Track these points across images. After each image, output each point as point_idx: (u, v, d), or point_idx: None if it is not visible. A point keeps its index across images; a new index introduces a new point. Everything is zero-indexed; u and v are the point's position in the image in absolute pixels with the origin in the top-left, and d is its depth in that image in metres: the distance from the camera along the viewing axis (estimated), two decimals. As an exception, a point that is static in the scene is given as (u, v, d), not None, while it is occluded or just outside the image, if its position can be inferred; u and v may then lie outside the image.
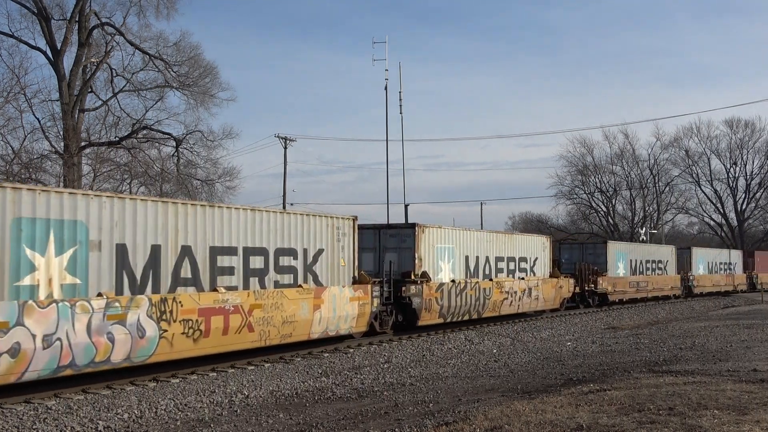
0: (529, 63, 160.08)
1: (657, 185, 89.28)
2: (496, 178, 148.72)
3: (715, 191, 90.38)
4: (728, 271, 55.68)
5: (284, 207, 50.19)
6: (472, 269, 27.45)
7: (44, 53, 41.89)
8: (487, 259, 28.44)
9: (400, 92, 49.88)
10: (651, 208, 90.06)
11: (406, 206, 49.84)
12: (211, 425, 11.03)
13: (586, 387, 12.46)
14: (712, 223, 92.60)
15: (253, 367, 16.67)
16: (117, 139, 43.62)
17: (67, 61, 42.16)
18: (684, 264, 48.70)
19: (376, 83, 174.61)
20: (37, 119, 40.85)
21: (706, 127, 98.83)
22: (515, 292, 29.47)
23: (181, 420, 11.50)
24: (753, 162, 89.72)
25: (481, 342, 22.23)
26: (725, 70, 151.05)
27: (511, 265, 30.05)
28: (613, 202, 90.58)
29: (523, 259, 31.14)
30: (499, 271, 29.11)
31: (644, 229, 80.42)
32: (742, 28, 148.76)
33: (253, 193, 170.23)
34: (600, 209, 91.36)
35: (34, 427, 10.90)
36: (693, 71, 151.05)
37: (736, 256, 59.11)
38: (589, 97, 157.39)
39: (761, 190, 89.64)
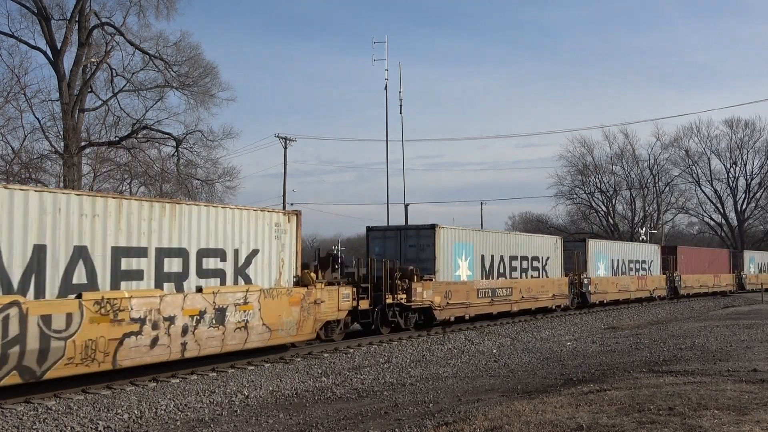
0: (528, 63, 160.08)
1: (657, 185, 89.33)
2: (496, 178, 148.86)
3: (715, 191, 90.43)
4: (641, 271, 43.17)
5: (284, 207, 50.20)
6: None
7: (44, 53, 41.90)
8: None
9: (400, 92, 49.99)
10: (651, 208, 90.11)
11: (406, 206, 49.91)
12: (211, 425, 11.03)
13: (586, 387, 12.45)
14: (712, 223, 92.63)
15: (253, 367, 16.67)
16: (117, 139, 43.61)
17: (67, 61, 42.20)
18: (576, 262, 35.72)
19: (376, 83, 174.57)
20: (37, 119, 40.93)
21: (706, 127, 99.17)
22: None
23: (181, 420, 11.49)
24: (753, 162, 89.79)
25: (481, 342, 22.22)
26: (724, 70, 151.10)
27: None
28: (613, 202, 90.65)
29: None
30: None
31: (644, 229, 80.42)
32: (741, 28, 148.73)
33: (253, 193, 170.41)
34: (600, 209, 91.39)
35: (34, 427, 10.90)
36: (692, 71, 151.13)
37: (651, 252, 45.79)
38: (589, 98, 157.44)
39: (761, 190, 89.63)
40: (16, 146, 38.34)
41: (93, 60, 43.24)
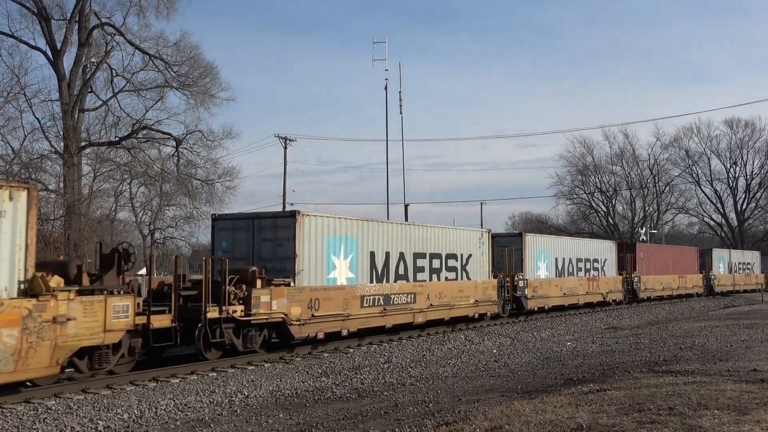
0: (528, 63, 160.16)
1: (657, 185, 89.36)
2: (496, 178, 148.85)
3: (715, 191, 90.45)
4: (592, 272, 36.96)
5: (284, 207, 50.21)
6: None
7: (44, 53, 41.95)
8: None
9: (400, 92, 49.99)
10: (651, 208, 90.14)
11: (406, 206, 49.89)
12: (211, 425, 11.03)
13: (586, 387, 12.45)
14: (712, 223, 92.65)
15: (253, 367, 16.66)
16: (117, 139, 43.65)
17: (67, 61, 42.25)
18: (508, 261, 29.52)
19: (376, 83, 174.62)
20: (37, 119, 40.98)
21: (706, 127, 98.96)
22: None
23: (181, 420, 11.49)
24: (753, 162, 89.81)
25: (481, 342, 22.22)
26: (724, 70, 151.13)
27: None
28: (613, 202, 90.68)
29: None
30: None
31: (644, 229, 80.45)
32: (741, 28, 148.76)
33: (252, 194, 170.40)
34: (600, 209, 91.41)
35: (34, 427, 10.90)
36: (692, 71, 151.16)
37: (605, 249, 39.28)
38: (589, 98, 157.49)
39: (761, 190, 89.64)
40: (16, 146, 38.46)
41: (93, 60, 43.28)
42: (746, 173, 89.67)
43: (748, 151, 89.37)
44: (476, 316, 26.73)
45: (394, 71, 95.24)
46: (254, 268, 17.65)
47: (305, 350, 19.16)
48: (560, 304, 33.31)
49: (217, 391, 13.73)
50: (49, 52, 41.71)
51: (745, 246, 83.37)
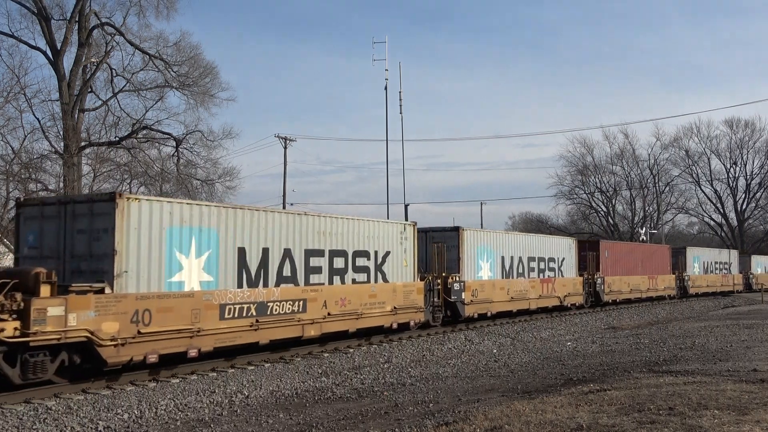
0: (528, 63, 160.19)
1: (657, 185, 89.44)
2: (496, 178, 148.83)
3: (715, 191, 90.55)
4: (547, 272, 32.43)
5: (284, 207, 50.23)
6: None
7: (44, 53, 41.97)
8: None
9: (400, 92, 49.88)
10: (651, 208, 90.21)
11: (406, 206, 49.83)
12: (211, 425, 11.03)
13: (586, 387, 12.45)
14: (712, 223, 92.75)
15: (253, 367, 16.66)
16: (117, 139, 43.67)
17: (67, 61, 42.29)
18: (439, 261, 25.20)
19: (376, 83, 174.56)
20: (37, 119, 41.10)
21: (706, 127, 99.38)
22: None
23: (181, 420, 11.49)
24: (753, 162, 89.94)
25: (481, 342, 22.23)
26: (724, 70, 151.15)
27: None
28: (613, 202, 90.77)
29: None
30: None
31: (644, 229, 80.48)
32: (741, 28, 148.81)
33: (252, 194, 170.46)
34: (600, 209, 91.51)
35: (34, 427, 10.90)
36: (692, 72, 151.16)
37: (564, 247, 34.49)
38: (589, 98, 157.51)
39: (761, 190, 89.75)
40: (16, 146, 38.48)
41: (93, 60, 43.30)
42: (746, 173, 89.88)
43: (748, 151, 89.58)
44: (394, 326, 21.89)
45: (394, 71, 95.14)
46: (39, 270, 13.12)
47: (305, 350, 19.16)
48: (507, 309, 28.67)
49: (217, 391, 13.73)
50: (49, 52, 41.75)
51: (745, 246, 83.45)
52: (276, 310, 17.72)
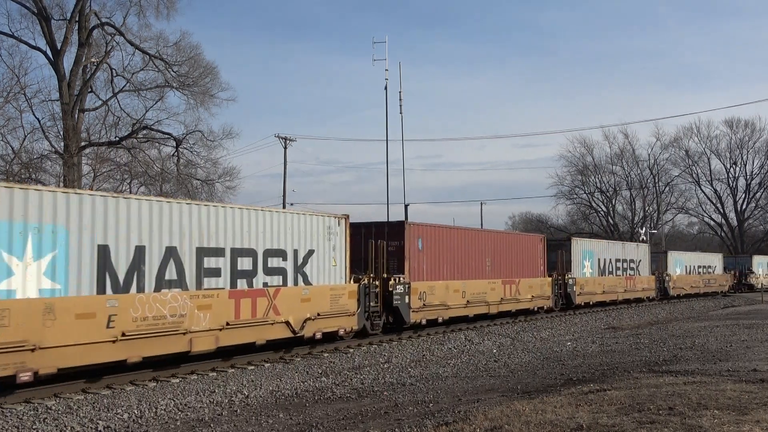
0: (528, 63, 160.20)
1: (657, 185, 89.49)
2: (496, 178, 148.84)
3: (715, 191, 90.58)
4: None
5: (284, 207, 50.23)
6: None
7: (44, 53, 41.94)
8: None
9: (400, 92, 49.69)
10: (651, 208, 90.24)
11: (406, 206, 49.83)
12: (211, 425, 11.03)
13: (586, 387, 12.45)
14: (712, 223, 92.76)
15: (253, 367, 16.66)
16: (117, 139, 43.66)
17: (67, 61, 42.25)
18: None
19: (376, 83, 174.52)
20: (37, 119, 41.03)
21: (706, 127, 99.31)
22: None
23: (181, 420, 11.49)
24: (753, 162, 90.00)
25: (481, 342, 22.23)
26: (724, 70, 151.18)
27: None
28: (613, 202, 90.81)
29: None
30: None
31: (644, 229, 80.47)
32: (740, 29, 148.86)
33: (252, 193, 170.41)
34: (600, 209, 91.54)
35: (34, 427, 10.90)
36: (692, 72, 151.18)
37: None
38: (589, 98, 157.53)
39: (761, 190, 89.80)
40: (16, 146, 38.49)
41: (93, 60, 43.29)
42: (746, 173, 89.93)
43: (748, 151, 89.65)
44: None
45: (394, 71, 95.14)
46: None
47: (305, 350, 19.16)
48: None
49: (217, 391, 13.74)
50: (49, 52, 41.73)
51: (745, 246, 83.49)
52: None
